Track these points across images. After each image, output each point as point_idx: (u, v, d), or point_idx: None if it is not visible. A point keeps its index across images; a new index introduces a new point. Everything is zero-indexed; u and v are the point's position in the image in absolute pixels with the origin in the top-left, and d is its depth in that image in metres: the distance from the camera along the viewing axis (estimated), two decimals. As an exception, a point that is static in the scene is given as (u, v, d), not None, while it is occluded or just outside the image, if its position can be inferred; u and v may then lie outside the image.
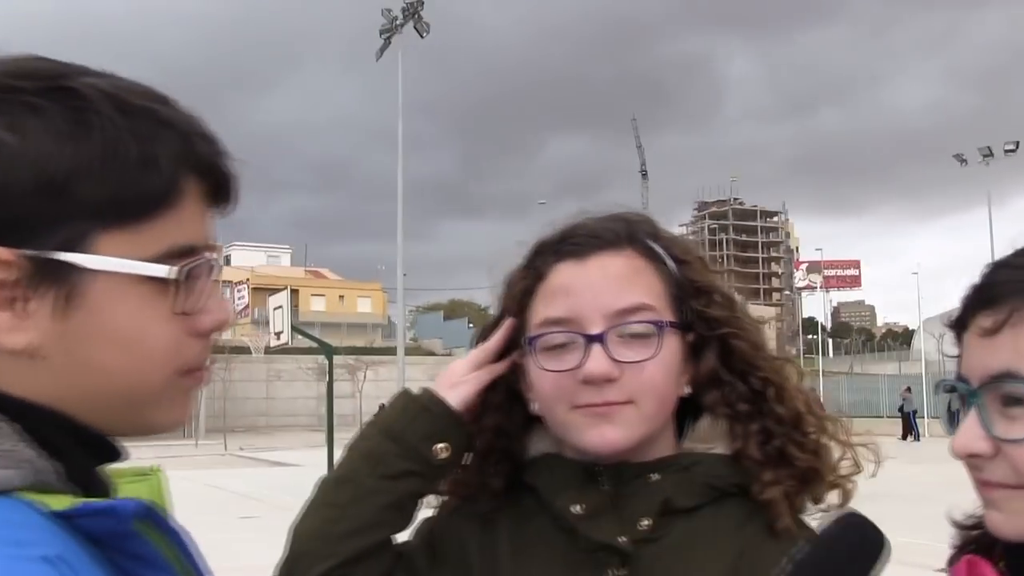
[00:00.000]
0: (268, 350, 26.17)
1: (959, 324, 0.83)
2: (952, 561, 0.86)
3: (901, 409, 31.25)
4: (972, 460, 0.79)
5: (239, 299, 32.28)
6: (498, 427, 1.05)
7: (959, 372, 0.84)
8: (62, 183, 0.55)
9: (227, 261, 59.56)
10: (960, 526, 0.88)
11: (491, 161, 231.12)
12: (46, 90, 0.56)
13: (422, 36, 30.33)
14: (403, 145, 28.24)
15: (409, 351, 31.24)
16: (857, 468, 1.02)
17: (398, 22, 30.19)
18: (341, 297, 64.77)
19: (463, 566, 1.03)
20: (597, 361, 0.94)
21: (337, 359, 18.84)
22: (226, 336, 37.85)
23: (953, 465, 0.84)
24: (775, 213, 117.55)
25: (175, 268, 0.60)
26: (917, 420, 30.56)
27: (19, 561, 0.47)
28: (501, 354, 1.05)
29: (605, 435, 0.95)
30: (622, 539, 0.95)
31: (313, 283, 66.72)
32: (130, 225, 0.58)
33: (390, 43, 30.45)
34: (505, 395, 1.05)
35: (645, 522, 0.95)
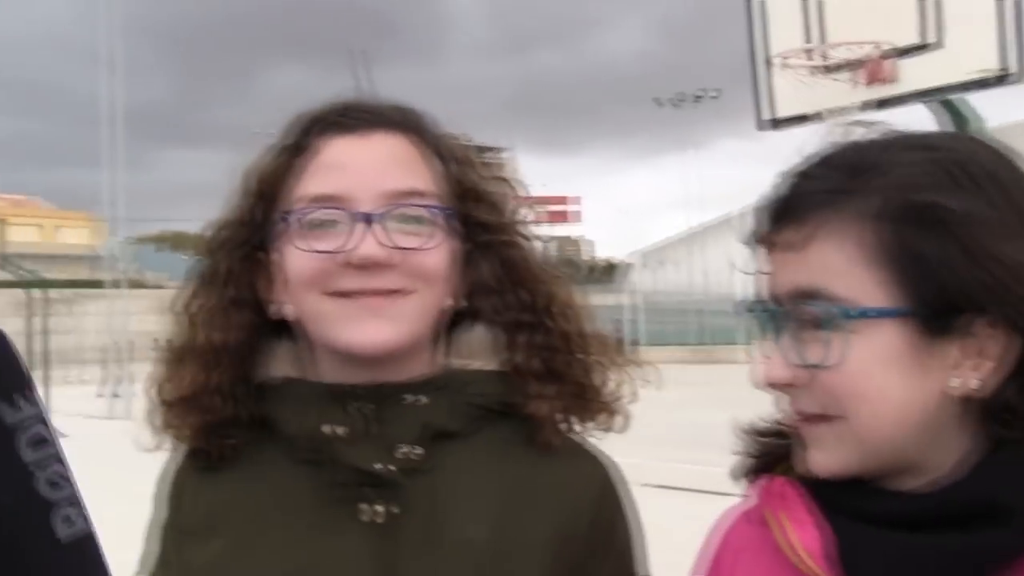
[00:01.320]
0: None
1: (759, 238, 0.75)
2: (750, 472, 0.81)
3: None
4: (783, 390, 0.72)
5: None
6: (248, 343, 0.91)
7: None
8: None
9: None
10: (760, 433, 0.81)
11: (211, 90, 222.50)
12: None
13: None
14: (116, 66, 27.17)
15: (131, 284, 30.28)
16: (631, 392, 0.95)
17: None
18: (46, 227, 59.65)
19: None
20: (369, 243, 0.83)
21: (54, 293, 18.51)
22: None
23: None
24: (498, 149, 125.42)
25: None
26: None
27: None
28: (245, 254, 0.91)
29: (368, 331, 0.84)
30: (381, 466, 0.84)
31: (20, 212, 60.76)
32: None
33: None
34: (244, 304, 0.90)
35: (407, 449, 0.85)
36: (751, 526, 0.80)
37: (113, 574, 0.89)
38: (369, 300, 0.85)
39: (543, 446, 0.90)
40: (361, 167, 0.88)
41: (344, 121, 0.90)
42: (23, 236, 56.00)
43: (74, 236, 60.43)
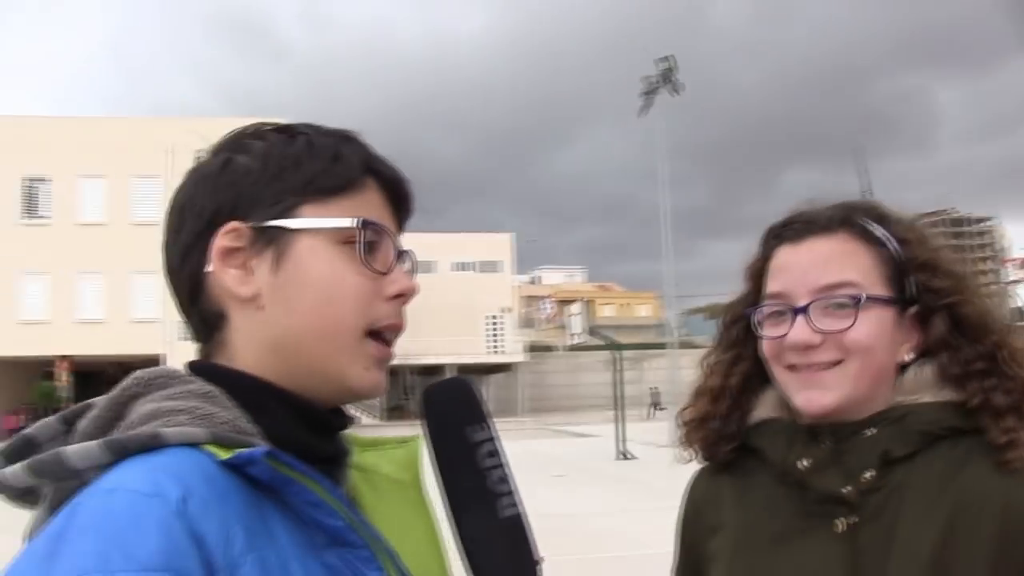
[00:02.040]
0: (570, 348, 33.21)
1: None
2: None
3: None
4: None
5: (546, 308, 41.13)
6: (740, 387, 1.15)
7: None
8: (278, 172, 0.74)
9: (537, 281, 71.08)
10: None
11: (740, 191, 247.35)
12: (265, 127, 0.79)
13: (677, 94, 37.62)
14: (666, 182, 35.88)
15: (682, 345, 37.42)
16: None
17: (655, 85, 37.80)
18: (625, 305, 74.57)
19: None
20: (797, 329, 1.03)
21: (624, 353, 23.63)
22: (539, 338, 47.88)
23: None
24: (986, 219, 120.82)
25: (353, 219, 0.74)
26: None
27: (133, 495, 0.57)
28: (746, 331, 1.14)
29: (812, 397, 1.03)
30: (847, 489, 1.00)
31: (603, 294, 76.87)
32: (323, 200, 0.75)
33: (652, 103, 38.01)
34: (741, 360, 1.16)
35: (868, 474, 1.00)
36: None
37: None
38: (808, 373, 1.04)
39: (1000, 464, 0.98)
40: (795, 269, 1.07)
41: (785, 232, 1.10)
42: (606, 312, 71.36)
43: (643, 310, 74.19)
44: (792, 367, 1.06)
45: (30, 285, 30.40)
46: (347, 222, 0.74)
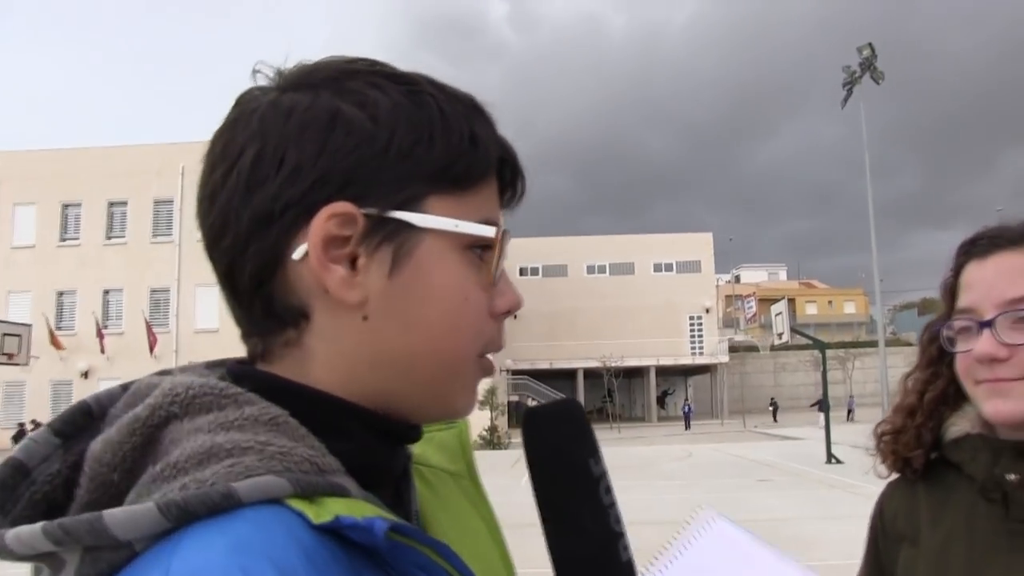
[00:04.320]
0: (773, 348, 32.74)
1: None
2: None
3: None
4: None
5: (749, 308, 40.74)
6: (936, 403, 1.17)
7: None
8: (408, 148, 0.57)
9: (738, 279, 70.53)
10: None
11: (953, 175, 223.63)
12: (379, 73, 0.59)
13: (877, 83, 36.44)
14: (874, 170, 34.86)
15: (889, 343, 35.88)
16: None
17: (856, 75, 36.74)
18: (830, 302, 71.88)
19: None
20: (983, 343, 1.04)
21: (829, 352, 22.48)
22: (741, 339, 47.56)
23: None
24: None
25: (494, 229, 0.60)
26: None
27: None
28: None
29: (998, 407, 1.04)
30: None
31: (806, 292, 74.42)
32: (456, 193, 0.59)
33: (852, 93, 37.00)
34: (942, 379, 1.17)
35: None
36: None
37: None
38: (994, 385, 1.05)
39: None
40: (982, 284, 1.08)
41: (973, 248, 1.12)
42: (809, 310, 69.16)
43: (848, 307, 71.19)
44: (978, 381, 1.08)
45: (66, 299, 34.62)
46: (487, 231, 0.60)
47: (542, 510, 0.64)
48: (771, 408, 42.95)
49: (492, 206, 0.62)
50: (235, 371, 0.59)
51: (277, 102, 0.58)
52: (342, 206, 0.56)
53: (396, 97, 0.58)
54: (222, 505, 0.47)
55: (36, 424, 27.98)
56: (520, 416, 0.72)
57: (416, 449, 0.71)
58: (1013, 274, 1.06)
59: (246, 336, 0.61)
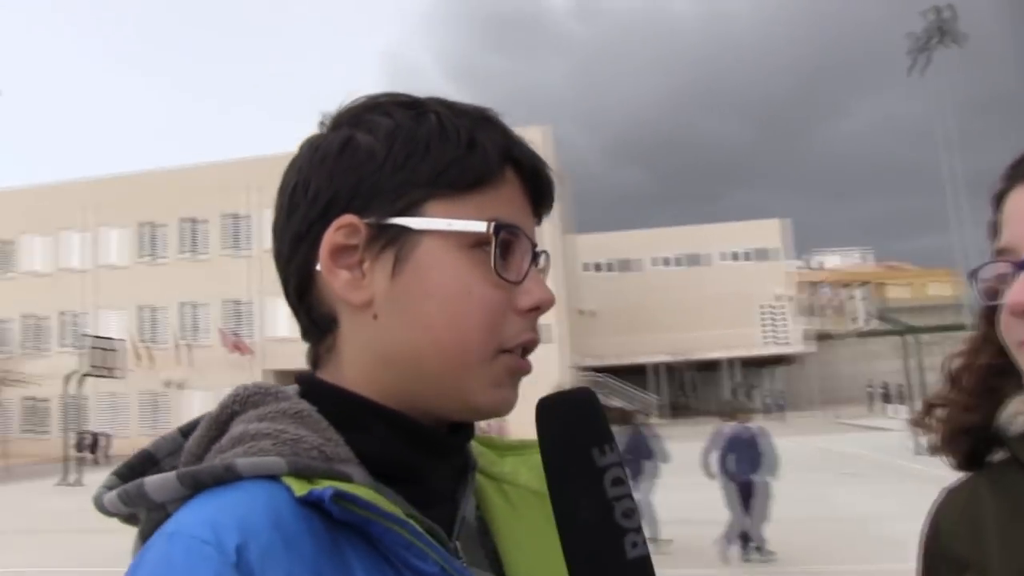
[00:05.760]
0: (860, 334, 31.97)
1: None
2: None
3: None
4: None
5: (826, 292, 39.56)
6: (986, 370, 0.91)
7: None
8: (403, 160, 0.64)
9: (819, 265, 68.62)
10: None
11: None
12: (394, 103, 0.68)
13: (957, 45, 34.65)
14: (956, 144, 33.27)
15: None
16: None
17: (925, 42, 35.12)
18: (918, 284, 68.99)
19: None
20: (1016, 289, 0.80)
21: (924, 336, 22.41)
22: (822, 327, 46.33)
23: None
24: None
25: (485, 223, 0.64)
26: None
27: (190, 542, 0.53)
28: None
29: None
30: None
31: (892, 275, 71.69)
32: (455, 195, 0.65)
33: (926, 59, 35.41)
34: (994, 342, 0.88)
35: None
36: None
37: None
38: None
39: None
40: (1021, 215, 0.82)
41: (1015, 173, 0.85)
42: (897, 293, 66.50)
43: (939, 289, 68.18)
44: (1020, 343, 0.82)
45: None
46: (478, 226, 0.64)
47: (552, 502, 0.65)
48: (881, 391, 41.09)
49: (504, 205, 0.67)
50: (297, 377, 0.69)
51: (312, 141, 0.69)
52: (346, 218, 0.65)
53: (400, 119, 0.67)
54: (224, 477, 0.57)
55: (94, 435, 31.34)
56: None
57: (507, 467, 0.78)
58: None
59: (305, 341, 0.70)
